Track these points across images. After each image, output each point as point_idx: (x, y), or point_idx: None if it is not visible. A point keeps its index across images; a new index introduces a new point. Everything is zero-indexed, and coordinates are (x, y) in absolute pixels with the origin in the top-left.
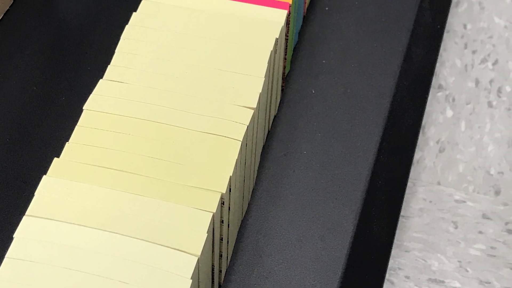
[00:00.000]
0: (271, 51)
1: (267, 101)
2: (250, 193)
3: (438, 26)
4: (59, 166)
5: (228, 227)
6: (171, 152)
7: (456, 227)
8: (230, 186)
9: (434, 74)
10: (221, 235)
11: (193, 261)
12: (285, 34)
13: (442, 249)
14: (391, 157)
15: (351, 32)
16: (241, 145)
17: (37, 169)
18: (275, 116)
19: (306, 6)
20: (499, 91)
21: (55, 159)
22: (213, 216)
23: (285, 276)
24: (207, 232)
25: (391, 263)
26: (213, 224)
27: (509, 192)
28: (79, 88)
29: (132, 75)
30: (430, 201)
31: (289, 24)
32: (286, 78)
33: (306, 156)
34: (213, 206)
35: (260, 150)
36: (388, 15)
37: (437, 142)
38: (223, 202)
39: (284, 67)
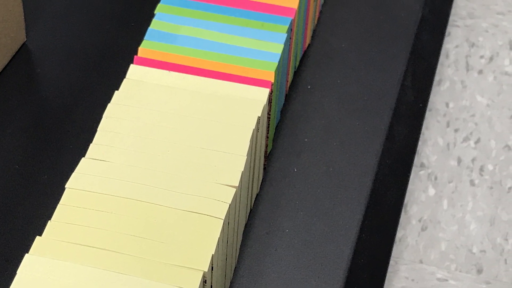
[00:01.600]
0: (253, 129)
1: (249, 180)
2: (232, 272)
3: (420, 105)
4: (41, 245)
5: None
6: (154, 231)
7: None
8: (212, 264)
9: (416, 153)
10: None
11: None
12: (267, 113)
13: None
14: (373, 235)
15: (333, 110)
16: (224, 223)
17: (19, 248)
18: (257, 194)
19: (288, 85)
20: (481, 169)
21: (38, 237)
22: None
23: None
24: None
25: None
26: None
27: (491, 270)
28: (62, 166)
29: (115, 154)
30: (413, 280)
31: (271, 102)
32: (268, 156)
33: (288, 234)
34: (195, 284)
35: (242, 228)
36: (370, 93)
37: (419, 221)
38: (205, 280)
39: (266, 146)
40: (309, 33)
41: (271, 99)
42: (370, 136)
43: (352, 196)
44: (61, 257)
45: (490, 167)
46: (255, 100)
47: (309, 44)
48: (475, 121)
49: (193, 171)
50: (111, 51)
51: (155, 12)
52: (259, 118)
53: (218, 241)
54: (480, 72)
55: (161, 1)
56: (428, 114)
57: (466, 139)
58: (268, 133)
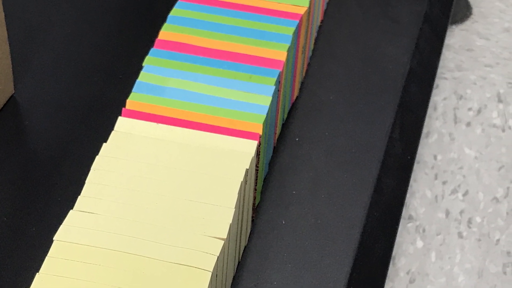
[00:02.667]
0: (242, 181)
1: (237, 232)
2: None
3: (408, 157)
4: None
5: None
6: (142, 283)
7: None
8: None
9: (404, 205)
10: None
11: None
12: (256, 165)
13: None
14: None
15: (321, 162)
16: (212, 276)
17: None
18: (245, 247)
19: (277, 137)
20: (469, 222)
21: None
22: None
23: None
24: None
25: None
26: None
27: None
28: (50, 218)
29: (103, 206)
30: None
31: (259, 154)
32: (256, 209)
33: (276, 286)
34: None
35: (231, 281)
36: (358, 145)
37: (408, 273)
38: None
39: (254, 198)
40: (297, 85)
41: (259, 151)
42: (358, 189)
43: (340, 249)
44: None
45: (478, 219)
46: (243, 153)
47: (297, 96)
48: (463, 174)
49: (181, 223)
50: (99, 104)
51: (143, 64)
52: (247, 170)
53: None
54: (468, 124)
55: (149, 54)
56: (416, 166)
57: (454, 191)
58: (256, 185)
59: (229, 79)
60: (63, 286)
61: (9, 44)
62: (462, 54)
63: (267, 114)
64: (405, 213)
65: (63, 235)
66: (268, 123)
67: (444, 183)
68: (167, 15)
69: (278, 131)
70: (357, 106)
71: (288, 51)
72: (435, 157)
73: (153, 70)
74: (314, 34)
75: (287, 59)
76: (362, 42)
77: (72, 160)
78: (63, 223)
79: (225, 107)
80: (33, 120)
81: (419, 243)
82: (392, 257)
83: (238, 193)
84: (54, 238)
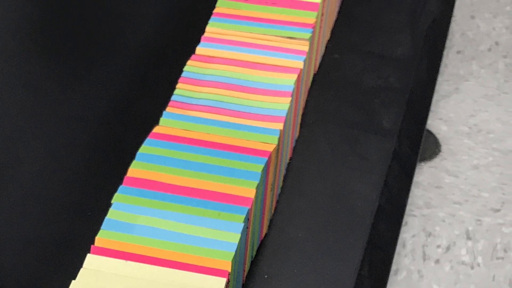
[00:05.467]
0: None
1: None
2: None
3: None
4: None
5: None
6: None
7: None
8: None
9: None
10: None
11: None
12: None
13: None
14: None
15: None
16: None
17: None
18: None
19: (245, 274)
20: None
21: None
22: None
23: None
24: None
25: None
26: None
27: None
28: None
29: None
30: None
31: None
32: None
33: None
34: None
35: None
36: (327, 282)
37: None
38: None
39: None
40: (266, 223)
41: None
42: None
43: None
44: None
45: None
46: None
47: (266, 234)
48: None
49: None
50: (67, 241)
51: (112, 201)
52: None
53: None
54: (437, 261)
55: (117, 191)
56: None
57: None
58: None
59: (198, 216)
60: None
61: None
62: (431, 191)
63: (236, 251)
64: None
65: None
66: (236, 260)
67: None
68: (135, 151)
69: (246, 268)
70: (325, 243)
71: (257, 188)
72: None
73: (122, 208)
74: (283, 171)
75: (256, 196)
76: (331, 179)
77: None
78: None
79: (194, 244)
80: (1, 258)
81: None
82: None
83: None
84: None
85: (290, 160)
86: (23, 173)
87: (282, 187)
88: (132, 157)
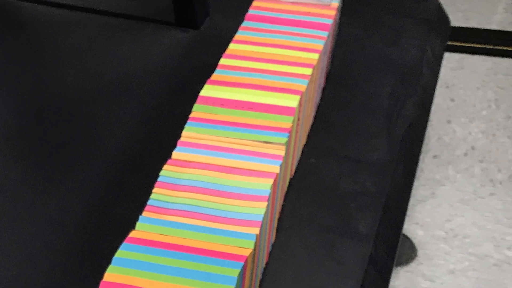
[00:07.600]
0: None
1: None
2: None
3: None
4: None
5: None
6: None
7: None
8: None
9: None
10: None
11: None
12: None
13: None
14: None
15: None
16: None
17: None
18: None
19: None
20: None
21: None
22: None
23: None
24: None
25: None
26: None
27: None
28: None
29: None
30: None
31: None
32: None
33: None
34: None
35: None
36: None
37: None
38: None
39: None
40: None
41: None
42: None
43: None
44: None
45: None
46: None
47: None
48: None
49: None
50: None
51: None
52: None
53: None
54: None
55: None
56: None
57: None
58: None
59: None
60: None
61: None
62: None
63: None
64: None
65: None
66: None
67: None
68: (112, 256)
69: None
70: None
71: None
72: None
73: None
74: (259, 276)
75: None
76: (307, 284)
77: None
78: None
79: None
80: None
81: None
82: None
83: None
84: None
85: (266, 264)
86: None
87: None
88: (108, 261)
